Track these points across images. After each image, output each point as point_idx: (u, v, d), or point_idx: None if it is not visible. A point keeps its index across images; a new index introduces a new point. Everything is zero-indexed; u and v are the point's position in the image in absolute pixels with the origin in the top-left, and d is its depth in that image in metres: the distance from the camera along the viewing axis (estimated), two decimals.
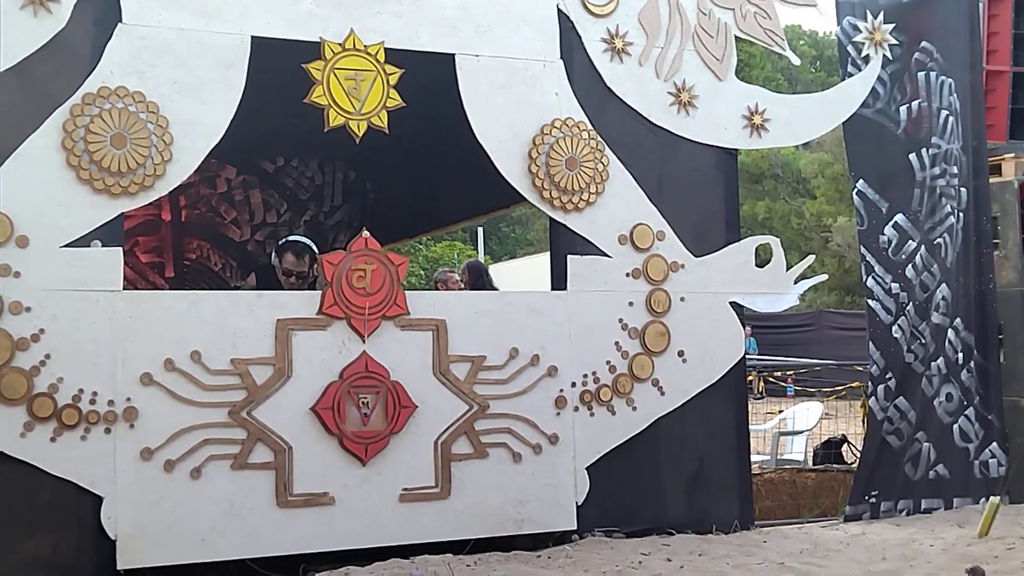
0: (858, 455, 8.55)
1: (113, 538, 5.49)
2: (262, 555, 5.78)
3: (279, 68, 5.96)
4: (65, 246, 5.53)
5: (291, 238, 7.52)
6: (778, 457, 10.63)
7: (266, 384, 5.83)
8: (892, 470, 7.66)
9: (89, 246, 5.58)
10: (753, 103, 7.18)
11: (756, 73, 32.74)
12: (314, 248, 7.40)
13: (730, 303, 7.01)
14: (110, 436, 5.52)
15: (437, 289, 10.13)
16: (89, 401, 5.50)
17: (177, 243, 10.51)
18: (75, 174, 5.56)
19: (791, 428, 11.43)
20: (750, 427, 7.46)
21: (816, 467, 9.96)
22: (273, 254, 7.35)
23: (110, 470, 5.51)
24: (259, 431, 5.79)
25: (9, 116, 5.51)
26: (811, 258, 7.53)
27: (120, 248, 5.70)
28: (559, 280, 6.65)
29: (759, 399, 18.21)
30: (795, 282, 7.29)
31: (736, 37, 7.20)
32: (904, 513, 7.64)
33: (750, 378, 11.54)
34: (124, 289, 5.69)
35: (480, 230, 31.31)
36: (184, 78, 5.82)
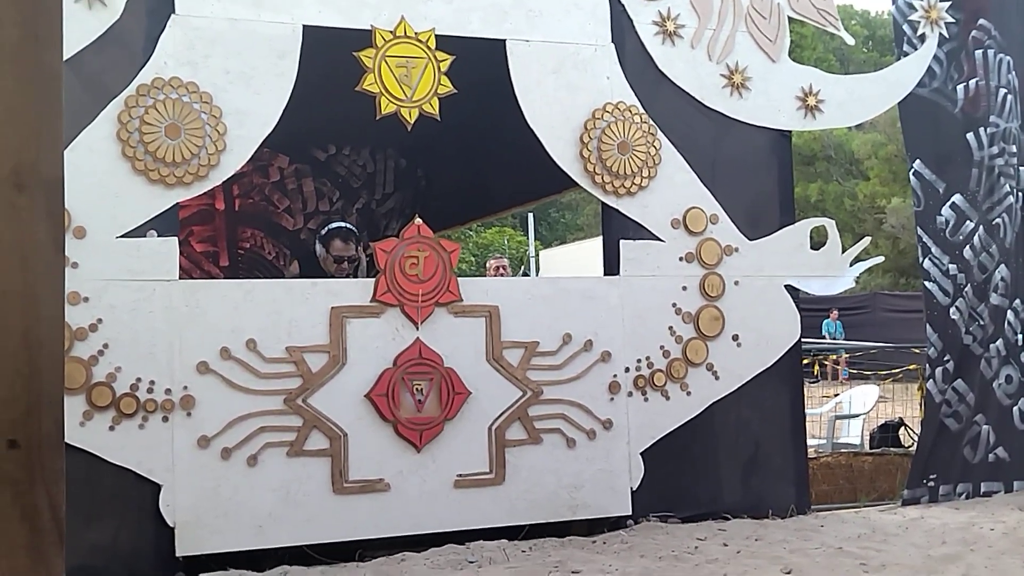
0: (916, 438, 8.47)
1: (172, 525, 5.55)
2: (318, 541, 5.81)
3: (330, 56, 5.97)
4: (121, 236, 5.58)
5: (333, 225, 7.53)
6: (834, 441, 10.54)
7: (321, 371, 5.87)
8: (951, 453, 7.58)
9: (145, 236, 5.63)
10: (807, 84, 7.10)
11: (808, 54, 32.44)
12: (357, 231, 7.43)
13: (785, 286, 6.95)
14: (168, 424, 5.58)
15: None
16: (147, 390, 5.56)
17: (231, 232, 10.58)
18: (130, 165, 5.61)
19: (847, 412, 11.33)
20: (806, 411, 7.40)
21: (873, 451, 9.89)
22: (317, 244, 7.34)
23: (168, 458, 5.57)
24: (314, 418, 5.82)
25: (65, 109, 5.54)
26: (866, 240, 7.45)
27: (176, 238, 5.76)
28: (612, 265, 6.63)
29: (814, 382, 18.08)
30: (850, 264, 7.21)
31: (789, 18, 7.12)
32: (963, 496, 7.56)
33: (806, 361, 11.43)
34: (180, 279, 5.74)
35: (530, 216, 31.32)
36: (237, 68, 5.85)
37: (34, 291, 1.50)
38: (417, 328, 6.07)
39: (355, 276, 7.03)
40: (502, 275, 10.56)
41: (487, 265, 11.12)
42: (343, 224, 7.62)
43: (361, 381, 5.95)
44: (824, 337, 23.98)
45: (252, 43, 5.90)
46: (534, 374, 6.28)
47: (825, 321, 24.66)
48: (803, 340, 7.21)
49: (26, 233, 1.51)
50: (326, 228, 7.53)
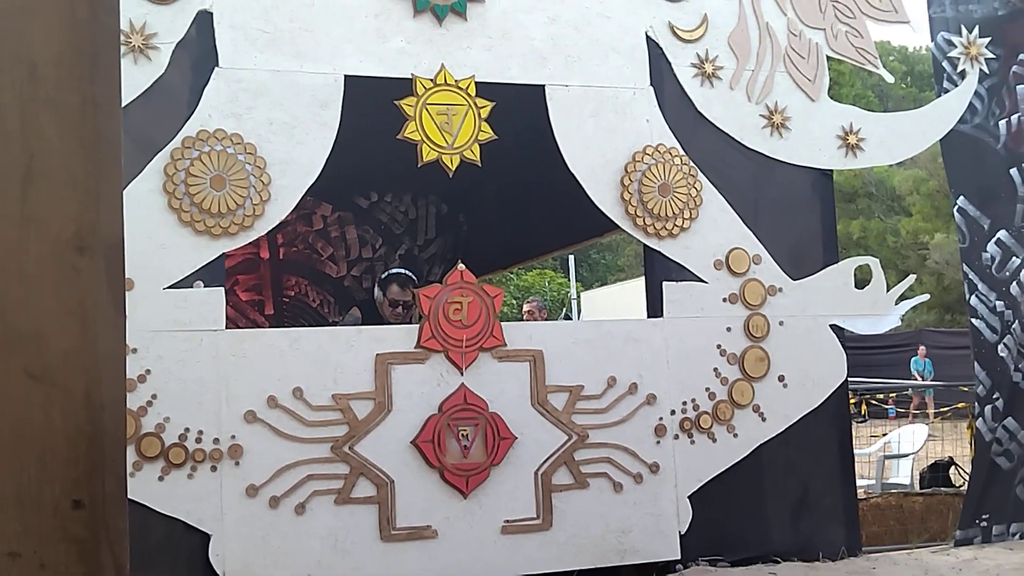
0: (966, 478, 8.35)
1: (221, 575, 5.56)
2: None
3: (372, 105, 6.02)
4: (169, 287, 5.64)
5: (393, 271, 7.69)
6: (884, 481, 10.43)
7: (367, 418, 5.88)
8: (1003, 492, 7.46)
9: (192, 287, 5.69)
10: (847, 123, 7.09)
11: (846, 91, 32.36)
12: (415, 279, 7.52)
13: (830, 326, 6.91)
14: (216, 474, 5.61)
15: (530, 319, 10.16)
16: (195, 439, 5.59)
17: (276, 281, 10.66)
18: (177, 216, 5.68)
19: (896, 451, 11.21)
20: (854, 451, 7.33)
21: (923, 491, 9.76)
22: (376, 288, 7.47)
23: (217, 508, 5.59)
24: (361, 465, 5.83)
25: None
26: (912, 278, 7.41)
27: (222, 288, 5.81)
28: (655, 307, 6.62)
29: (862, 422, 17.88)
30: (896, 302, 7.16)
31: (827, 57, 7.13)
32: (1017, 536, 7.42)
33: (852, 401, 11.33)
34: (226, 328, 5.78)
35: (571, 258, 31.33)
36: (280, 119, 5.92)
37: (96, 352, 1.52)
38: (462, 373, 6.08)
39: (410, 322, 7.09)
40: (536, 319, 10.54)
41: (523, 309, 11.13)
42: (402, 270, 7.76)
43: (407, 427, 5.96)
44: (914, 376, 23.59)
45: (295, 94, 5.96)
46: (579, 418, 6.27)
47: (913, 358, 24.23)
48: (849, 379, 7.15)
49: (88, 295, 1.53)
50: (386, 273, 7.68)
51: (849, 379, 7.08)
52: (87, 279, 1.52)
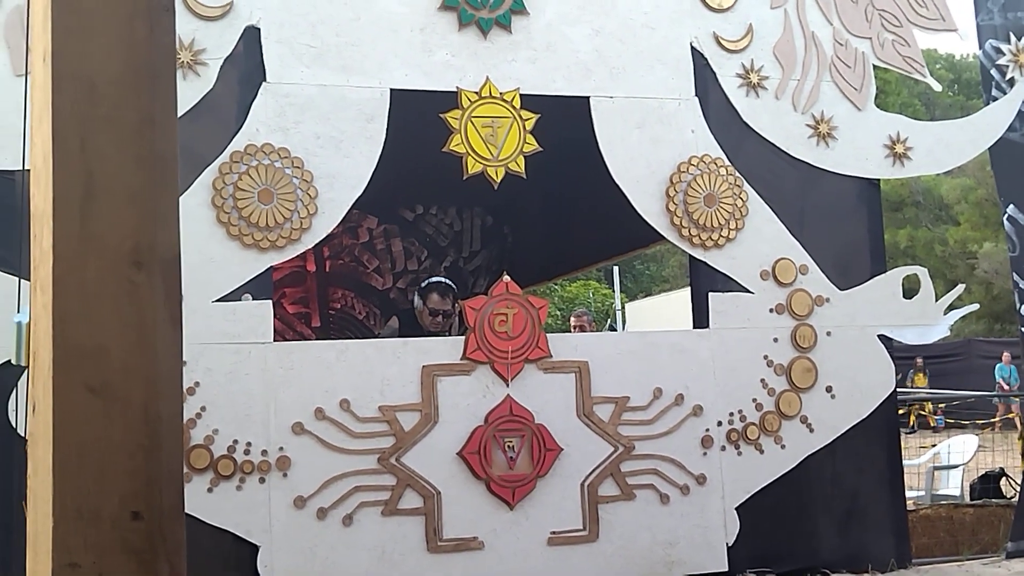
0: (1017, 489, 8.26)
1: None
2: None
3: (417, 118, 6.06)
4: (217, 300, 5.69)
5: (433, 279, 7.67)
6: (933, 492, 10.31)
7: (413, 430, 5.90)
8: None
9: (240, 300, 5.74)
10: (895, 132, 7.04)
11: (892, 100, 32.10)
12: (455, 287, 7.53)
13: (878, 336, 6.86)
14: (264, 485, 5.65)
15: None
16: (244, 451, 5.63)
17: (322, 293, 10.73)
18: (225, 230, 5.73)
19: (945, 462, 11.08)
20: (903, 462, 7.26)
21: (974, 502, 9.65)
22: (416, 297, 7.48)
23: (265, 519, 5.63)
24: (408, 477, 5.85)
25: None
26: (961, 287, 7.35)
27: (270, 301, 5.86)
28: (701, 318, 6.60)
29: (911, 433, 17.69)
30: (945, 312, 7.09)
31: (874, 65, 7.08)
32: None
33: (901, 412, 11.22)
34: (274, 340, 5.83)
35: (615, 268, 31.27)
36: (327, 133, 5.97)
37: (154, 366, 1.54)
38: (507, 385, 6.09)
39: (448, 331, 7.10)
40: (586, 331, 10.54)
41: (570, 321, 11.12)
42: (443, 279, 7.77)
43: (453, 439, 5.97)
44: (999, 383, 23.15)
45: (341, 108, 6.01)
46: (625, 429, 6.26)
47: (998, 365, 23.56)
48: (897, 390, 7.09)
49: (146, 309, 1.56)
50: (426, 282, 7.67)
51: (898, 390, 7.02)
52: (145, 294, 1.55)
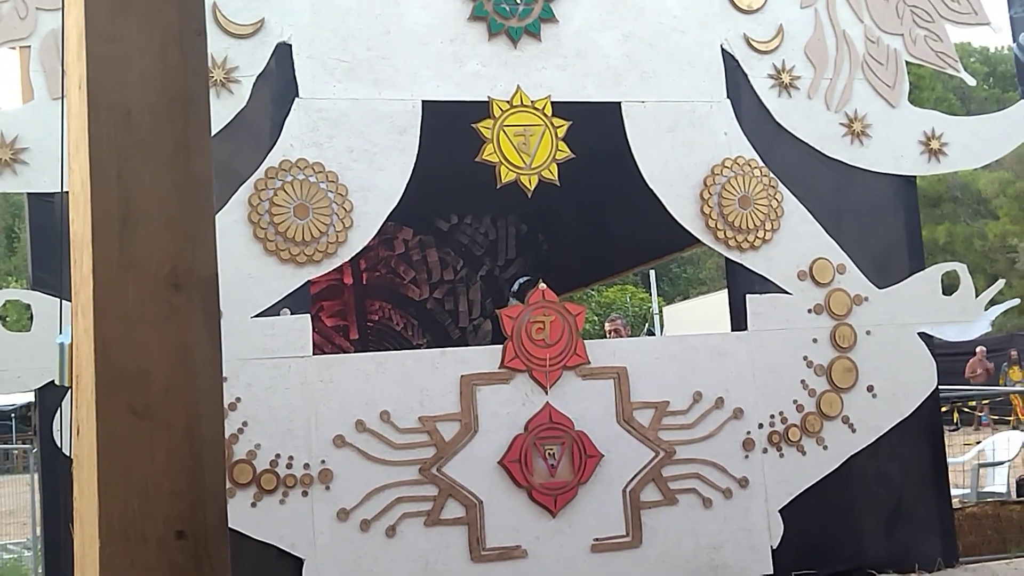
0: None
1: None
2: None
3: (450, 129, 6.08)
4: (256, 316, 5.73)
5: (523, 279, 7.77)
6: (979, 490, 10.19)
7: (454, 440, 5.92)
8: None
9: (279, 314, 5.77)
10: (929, 128, 6.99)
11: (927, 95, 31.83)
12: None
13: (918, 334, 6.81)
14: (307, 499, 5.68)
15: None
16: (286, 465, 5.66)
17: (360, 306, 10.78)
18: (262, 246, 5.77)
19: (991, 459, 10.95)
20: (947, 460, 7.20)
21: (1021, 499, 9.53)
22: (512, 299, 7.49)
23: (309, 532, 5.66)
24: (450, 487, 5.86)
25: None
26: (1001, 282, 7.29)
27: (308, 315, 5.89)
28: (739, 320, 6.58)
29: (954, 430, 17.49)
30: (986, 308, 7.03)
31: (906, 62, 7.04)
32: None
33: (944, 409, 11.11)
34: (313, 354, 5.86)
35: (652, 272, 31.18)
36: (360, 146, 6.00)
37: (195, 388, 1.56)
38: (546, 392, 6.09)
39: None
40: (621, 336, 10.51)
41: (605, 326, 11.12)
42: (530, 277, 7.78)
43: (493, 448, 5.98)
44: None
45: (374, 121, 6.04)
46: (666, 434, 6.24)
47: None
48: (940, 387, 7.03)
49: (185, 331, 1.58)
50: (517, 284, 7.71)
51: (940, 387, 6.97)
52: (184, 316, 1.57)
